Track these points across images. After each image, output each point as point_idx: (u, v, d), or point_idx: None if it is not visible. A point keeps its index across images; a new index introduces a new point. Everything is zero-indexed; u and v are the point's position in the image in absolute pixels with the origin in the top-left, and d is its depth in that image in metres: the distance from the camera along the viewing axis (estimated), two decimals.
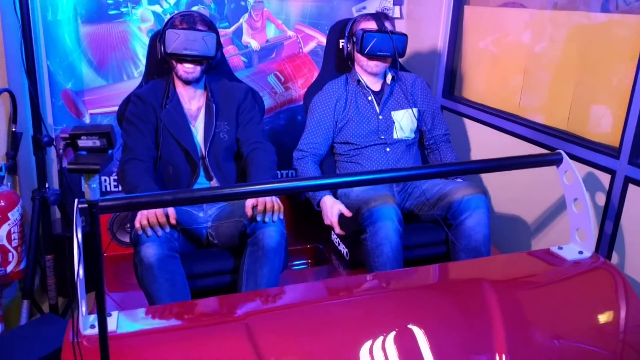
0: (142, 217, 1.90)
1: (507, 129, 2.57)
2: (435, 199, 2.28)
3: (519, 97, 2.58)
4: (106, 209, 1.57)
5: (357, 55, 2.46)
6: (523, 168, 1.98)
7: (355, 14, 3.16)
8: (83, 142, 1.25)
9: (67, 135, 1.27)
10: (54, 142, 2.76)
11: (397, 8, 3.21)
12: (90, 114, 3.00)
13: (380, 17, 2.44)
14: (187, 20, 2.20)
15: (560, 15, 2.36)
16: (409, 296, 1.65)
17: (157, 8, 2.96)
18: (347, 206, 2.28)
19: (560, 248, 1.87)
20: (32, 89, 2.53)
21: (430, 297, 1.67)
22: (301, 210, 2.62)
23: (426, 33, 3.05)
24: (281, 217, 1.98)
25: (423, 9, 3.11)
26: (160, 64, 2.34)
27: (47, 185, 2.62)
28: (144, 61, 2.95)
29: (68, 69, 2.91)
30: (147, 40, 2.95)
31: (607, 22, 2.16)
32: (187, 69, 2.20)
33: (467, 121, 2.84)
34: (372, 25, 2.41)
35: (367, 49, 2.36)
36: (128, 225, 2.68)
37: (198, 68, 2.21)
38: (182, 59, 2.17)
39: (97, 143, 1.25)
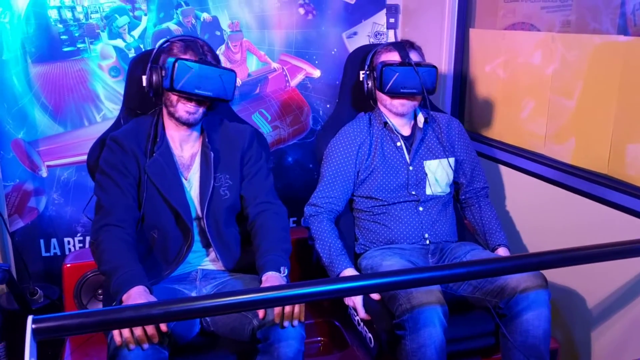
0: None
1: (533, 172, 2.26)
2: (482, 279, 1.91)
3: (544, 133, 2.27)
4: (59, 331, 1.19)
5: (379, 94, 2.10)
6: (597, 261, 1.60)
7: (346, 41, 2.83)
8: None
9: None
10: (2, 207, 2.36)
11: (391, 32, 2.89)
12: (48, 167, 2.61)
13: (404, 46, 2.09)
14: (193, 47, 1.79)
15: (589, 39, 2.07)
16: None
17: (119, 42, 2.59)
18: None
19: None
20: None
21: None
22: (312, 273, 2.23)
23: (427, 60, 2.73)
24: (302, 319, 1.60)
25: (421, 33, 2.79)
26: (145, 96, 1.88)
27: None
28: (106, 104, 2.61)
29: (18, 116, 2.54)
30: (109, 80, 2.60)
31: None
32: (189, 109, 1.78)
33: (484, 162, 2.51)
34: (394, 57, 2.06)
35: (388, 86, 2.00)
36: (100, 291, 2.27)
37: (201, 109, 1.81)
38: (188, 97, 1.77)
39: None
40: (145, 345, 1.50)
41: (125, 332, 1.49)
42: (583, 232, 2.03)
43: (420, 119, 2.16)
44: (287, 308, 1.56)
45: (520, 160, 2.33)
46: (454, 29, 2.64)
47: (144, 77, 1.84)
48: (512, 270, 1.52)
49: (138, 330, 1.49)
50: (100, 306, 2.18)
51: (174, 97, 1.79)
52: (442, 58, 2.69)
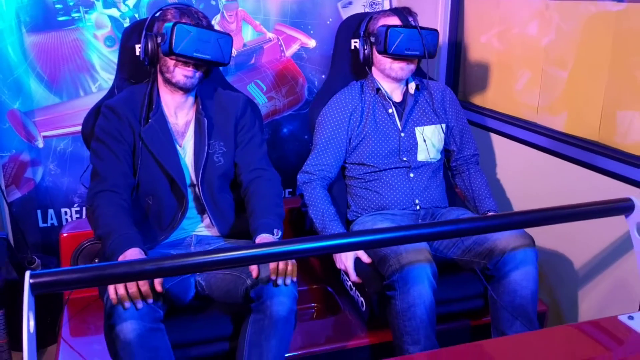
0: (119, 285, 1.52)
1: (526, 140, 2.27)
2: (471, 242, 1.96)
3: (537, 101, 2.28)
4: (56, 286, 1.21)
5: (378, 57, 2.11)
6: (580, 219, 1.62)
7: (341, 11, 2.82)
8: None
9: None
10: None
11: (386, 1, 2.88)
12: (44, 137, 2.61)
13: (402, 12, 2.11)
14: (188, 13, 1.80)
15: (582, 6, 2.07)
16: None
17: (114, 12, 2.57)
18: (367, 250, 1.95)
19: (630, 317, 1.54)
20: None
21: None
22: None
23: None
24: (294, 279, 1.62)
25: (416, 1, 2.78)
26: (138, 65, 1.90)
27: None
28: (102, 74, 2.60)
29: (14, 86, 2.53)
30: (104, 50, 2.59)
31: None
32: (187, 73, 1.79)
33: (477, 130, 2.53)
34: (394, 21, 2.08)
35: (394, 47, 2.01)
36: (97, 260, 2.29)
37: (198, 73, 1.82)
38: (186, 61, 1.78)
39: None
40: (139, 303, 1.53)
41: (120, 289, 1.51)
42: (573, 199, 2.05)
43: (412, 85, 2.18)
44: (281, 265, 1.59)
45: (513, 128, 2.34)
46: None
47: (138, 46, 1.84)
48: (498, 228, 1.54)
49: (132, 287, 1.51)
50: None
51: (171, 62, 1.79)
52: (437, 26, 2.68)
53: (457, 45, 2.69)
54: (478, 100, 2.62)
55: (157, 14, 1.85)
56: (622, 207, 1.52)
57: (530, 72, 2.32)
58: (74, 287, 1.23)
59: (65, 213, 2.70)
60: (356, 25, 2.27)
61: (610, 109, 1.98)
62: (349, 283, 2.05)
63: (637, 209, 1.52)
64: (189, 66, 1.79)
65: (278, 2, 2.75)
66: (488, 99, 2.57)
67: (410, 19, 2.10)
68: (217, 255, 1.25)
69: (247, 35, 2.75)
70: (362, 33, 2.15)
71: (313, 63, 2.85)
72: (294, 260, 1.62)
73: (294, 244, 1.28)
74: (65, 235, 2.25)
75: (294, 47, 2.83)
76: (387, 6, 2.88)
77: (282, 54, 2.81)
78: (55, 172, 2.65)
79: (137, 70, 1.96)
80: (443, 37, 2.69)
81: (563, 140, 2.12)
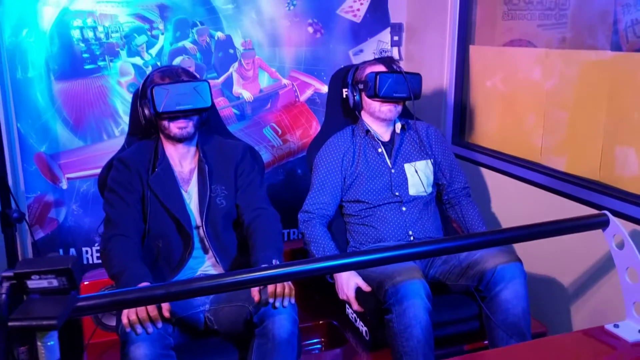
0: (130, 311, 1.64)
1: (528, 179, 2.36)
2: (464, 266, 2.05)
3: (540, 143, 2.38)
4: (82, 311, 1.30)
5: (368, 102, 2.26)
6: (561, 234, 1.73)
7: (352, 58, 2.96)
8: (35, 283, 0.98)
9: (10, 275, 0.99)
10: (26, 217, 2.46)
11: (395, 50, 3.03)
12: (68, 179, 2.72)
13: (386, 60, 2.28)
14: (169, 74, 1.98)
15: (580, 54, 2.19)
16: None
17: (137, 60, 2.72)
18: (366, 279, 2.04)
19: (616, 326, 1.62)
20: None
21: None
22: (310, 280, 2.35)
23: (429, 75, 2.86)
24: (292, 301, 1.72)
25: (424, 50, 2.92)
26: (146, 123, 2.06)
27: None
28: (124, 118, 2.73)
29: (41, 131, 2.66)
30: (127, 96, 2.73)
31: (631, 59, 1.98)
32: (180, 125, 1.95)
33: (481, 170, 2.63)
34: (381, 68, 2.23)
35: (383, 90, 2.16)
36: None
37: (191, 122, 1.97)
38: (174, 116, 1.93)
39: (55, 283, 0.99)
40: (150, 327, 1.63)
41: (132, 315, 1.63)
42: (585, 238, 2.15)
43: (398, 125, 2.32)
44: (278, 288, 1.69)
45: (518, 168, 2.44)
46: (454, 46, 2.77)
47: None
48: (483, 244, 1.62)
49: (142, 313, 1.63)
50: (113, 320, 2.30)
51: (164, 121, 1.95)
52: (443, 73, 2.81)
53: (463, 91, 2.81)
54: (483, 142, 2.73)
55: (147, 81, 2.01)
56: (598, 222, 1.63)
57: (533, 117, 2.43)
58: (91, 312, 1.33)
59: (87, 252, 2.79)
60: (343, 76, 2.43)
61: (608, 149, 2.08)
62: (353, 315, 2.14)
63: (612, 223, 1.63)
64: (179, 119, 1.94)
65: (293, 51, 2.90)
66: (494, 141, 2.67)
67: (394, 65, 2.25)
68: (218, 280, 1.38)
69: (263, 82, 2.89)
70: (350, 82, 2.31)
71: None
72: (290, 283, 1.73)
73: (288, 267, 1.39)
74: (85, 283, 2.35)
75: (308, 93, 2.96)
76: (395, 55, 3.03)
77: (297, 99, 2.95)
78: (78, 213, 2.75)
79: (144, 130, 2.12)
80: (449, 83, 2.82)
81: (560, 177, 2.22)
